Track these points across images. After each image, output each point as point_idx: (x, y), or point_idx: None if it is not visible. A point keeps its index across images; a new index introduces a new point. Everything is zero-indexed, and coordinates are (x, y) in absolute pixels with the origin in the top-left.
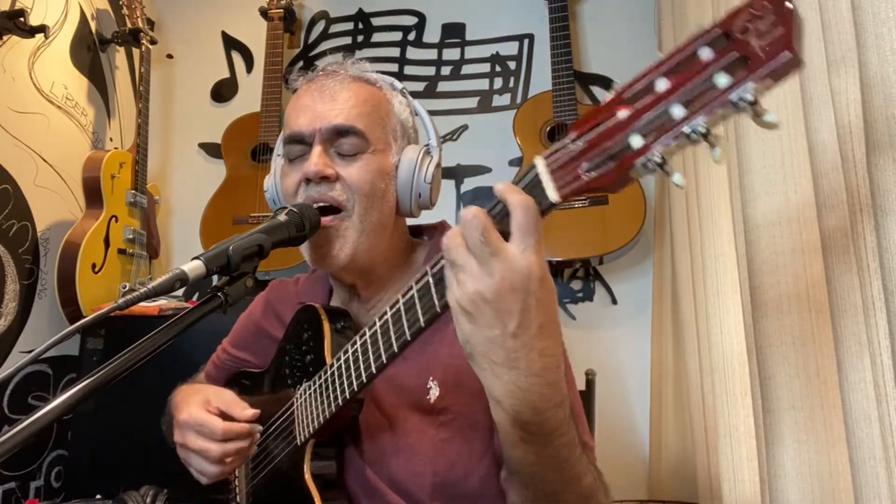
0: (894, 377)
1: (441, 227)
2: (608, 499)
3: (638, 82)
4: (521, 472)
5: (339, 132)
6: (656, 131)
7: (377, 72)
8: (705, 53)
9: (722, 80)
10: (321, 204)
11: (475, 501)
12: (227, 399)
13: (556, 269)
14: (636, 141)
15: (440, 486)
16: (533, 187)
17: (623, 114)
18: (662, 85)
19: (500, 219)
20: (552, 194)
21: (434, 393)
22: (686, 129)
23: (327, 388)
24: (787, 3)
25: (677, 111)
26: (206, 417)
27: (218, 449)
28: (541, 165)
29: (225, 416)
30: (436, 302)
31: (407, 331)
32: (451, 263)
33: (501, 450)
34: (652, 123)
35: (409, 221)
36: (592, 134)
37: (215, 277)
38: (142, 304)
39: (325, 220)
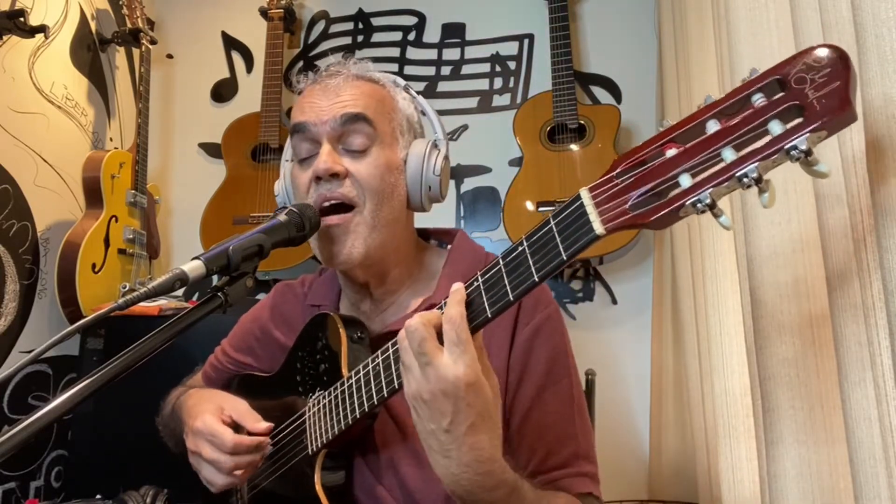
0: (894, 377)
1: (458, 239)
2: None
3: (688, 122)
4: None
5: (348, 120)
6: (707, 172)
7: (379, 72)
8: (759, 99)
9: (776, 128)
10: (332, 202)
11: None
12: (241, 409)
13: None
14: (685, 180)
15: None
16: (577, 218)
17: (672, 152)
18: (713, 127)
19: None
20: (598, 227)
21: None
22: (738, 172)
23: (343, 401)
24: (843, 53)
25: (728, 154)
26: (219, 428)
27: (229, 461)
28: (586, 197)
29: (237, 427)
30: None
31: None
32: (402, 364)
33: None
34: (702, 164)
35: (419, 222)
36: (640, 170)
37: (215, 277)
38: (142, 304)
39: (336, 217)
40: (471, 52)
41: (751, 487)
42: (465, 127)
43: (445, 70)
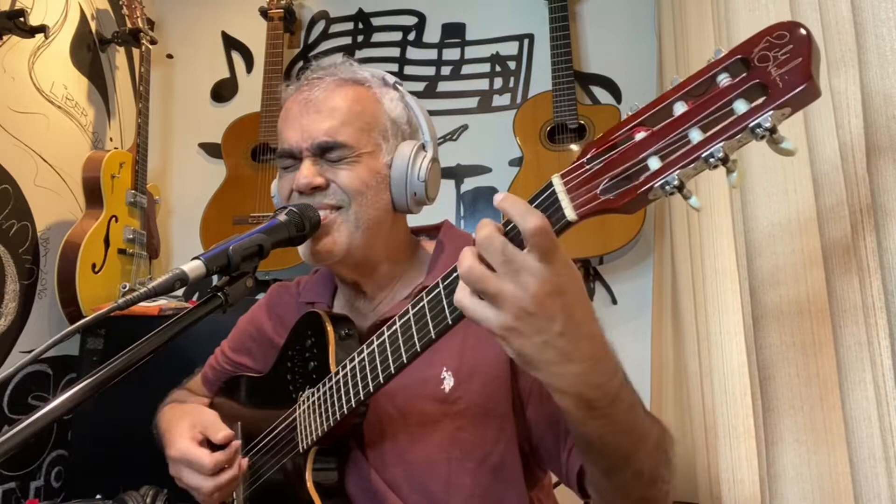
0: (894, 377)
1: (444, 227)
2: (671, 442)
3: (656, 105)
4: (594, 444)
5: (324, 147)
6: (674, 154)
7: (367, 70)
8: (724, 79)
9: (741, 106)
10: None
11: (489, 490)
12: (207, 422)
13: None
14: (654, 163)
15: (455, 475)
16: (550, 205)
17: (641, 135)
18: (680, 108)
19: (514, 236)
20: (570, 213)
21: (448, 383)
22: (704, 153)
23: (332, 397)
24: (803, 31)
25: (695, 135)
26: (195, 453)
27: (210, 484)
28: (558, 184)
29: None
30: (447, 315)
31: (417, 342)
32: (482, 294)
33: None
34: (670, 146)
35: (411, 220)
36: (610, 154)
37: (215, 277)
38: (142, 304)
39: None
40: (471, 52)
41: (751, 487)
42: (465, 127)
43: (445, 70)
